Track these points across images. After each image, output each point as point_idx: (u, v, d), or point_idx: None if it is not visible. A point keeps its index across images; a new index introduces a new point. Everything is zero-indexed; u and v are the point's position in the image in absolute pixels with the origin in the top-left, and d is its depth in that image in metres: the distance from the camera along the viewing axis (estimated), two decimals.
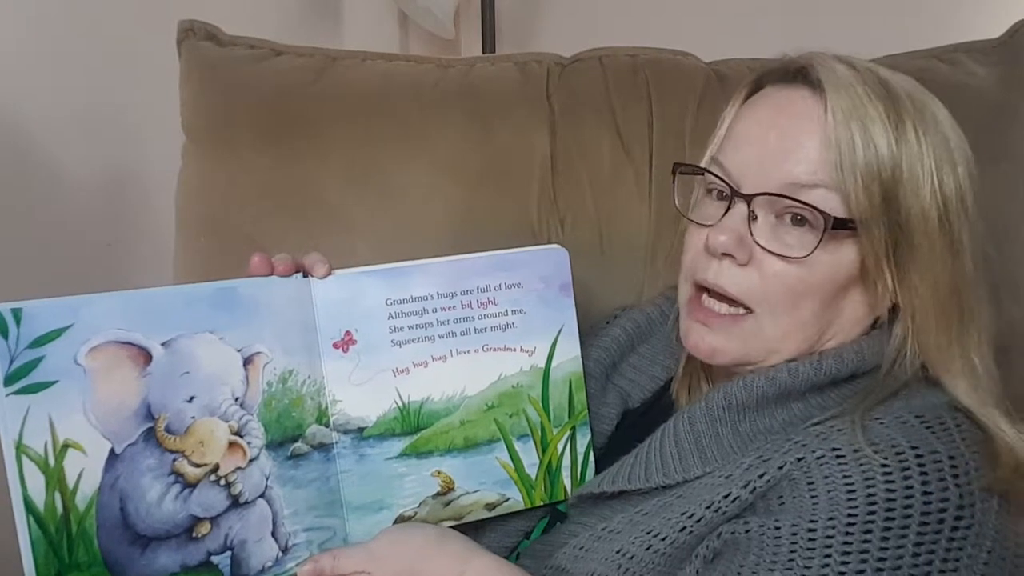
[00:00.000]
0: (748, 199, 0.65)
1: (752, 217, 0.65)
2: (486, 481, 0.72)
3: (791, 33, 0.78)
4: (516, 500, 0.73)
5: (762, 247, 0.64)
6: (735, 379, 0.67)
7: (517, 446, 0.73)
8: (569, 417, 0.75)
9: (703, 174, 0.69)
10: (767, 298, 0.65)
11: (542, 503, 0.74)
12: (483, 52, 1.44)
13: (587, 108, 0.98)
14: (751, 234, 0.65)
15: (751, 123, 0.67)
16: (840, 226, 0.62)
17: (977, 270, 0.65)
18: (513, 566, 0.67)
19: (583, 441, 0.75)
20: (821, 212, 0.62)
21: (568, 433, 0.75)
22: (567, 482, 0.75)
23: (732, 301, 0.67)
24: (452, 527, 0.70)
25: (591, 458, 0.76)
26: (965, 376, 0.64)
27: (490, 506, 0.73)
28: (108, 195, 1.25)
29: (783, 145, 0.64)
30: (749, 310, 0.66)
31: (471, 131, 0.96)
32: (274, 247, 0.90)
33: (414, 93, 0.97)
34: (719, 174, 0.67)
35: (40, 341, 0.58)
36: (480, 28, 1.46)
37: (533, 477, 0.74)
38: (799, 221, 0.64)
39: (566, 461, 0.75)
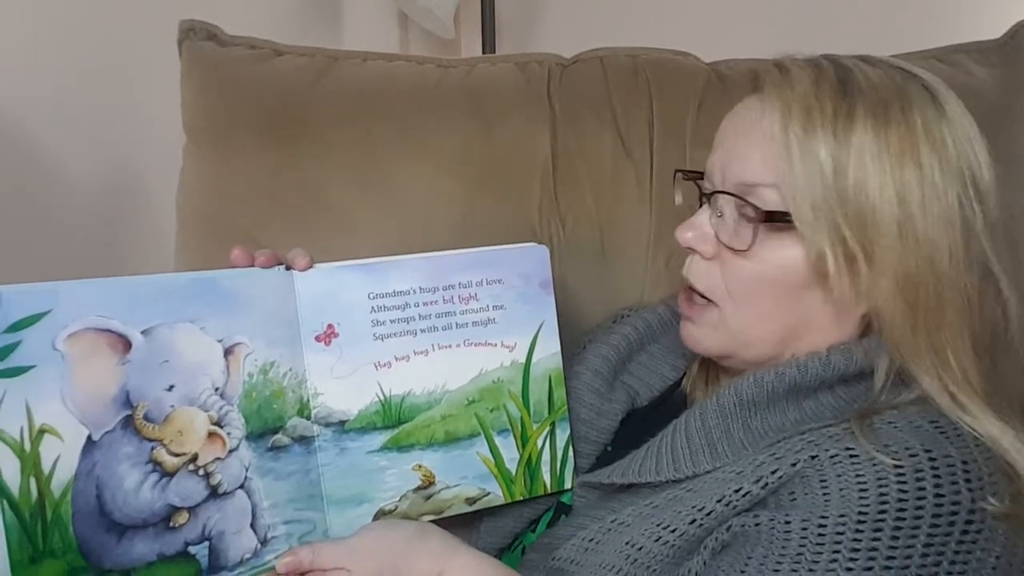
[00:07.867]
0: (709, 197, 0.69)
1: (718, 214, 0.68)
2: (467, 475, 0.72)
3: (791, 33, 0.78)
4: (496, 495, 0.74)
5: (721, 242, 0.68)
6: (746, 375, 0.68)
7: (497, 441, 0.73)
8: (549, 412, 0.75)
9: (691, 178, 0.73)
10: (728, 292, 0.68)
11: (522, 498, 0.75)
12: (483, 52, 1.45)
13: (588, 108, 0.98)
14: (715, 230, 0.68)
15: (725, 127, 0.71)
16: (776, 219, 0.64)
17: (957, 263, 0.63)
18: (495, 561, 0.67)
19: (562, 436, 0.76)
20: (753, 206, 0.65)
21: (548, 428, 0.75)
22: (546, 477, 0.75)
23: (702, 295, 0.70)
24: (434, 522, 0.69)
25: (570, 453, 0.76)
26: (936, 372, 0.63)
27: (470, 500, 0.73)
28: (108, 195, 1.25)
29: (736, 148, 0.68)
30: (715, 303, 0.69)
31: (472, 131, 0.96)
32: (275, 247, 0.90)
33: (415, 93, 0.97)
34: (699, 175, 0.72)
35: (18, 326, 0.57)
36: (480, 28, 1.47)
37: (513, 472, 0.74)
38: (751, 218, 0.66)
39: (546, 456, 0.75)
